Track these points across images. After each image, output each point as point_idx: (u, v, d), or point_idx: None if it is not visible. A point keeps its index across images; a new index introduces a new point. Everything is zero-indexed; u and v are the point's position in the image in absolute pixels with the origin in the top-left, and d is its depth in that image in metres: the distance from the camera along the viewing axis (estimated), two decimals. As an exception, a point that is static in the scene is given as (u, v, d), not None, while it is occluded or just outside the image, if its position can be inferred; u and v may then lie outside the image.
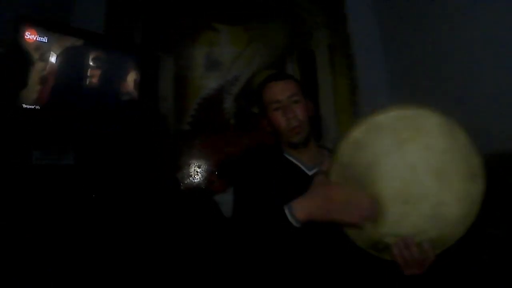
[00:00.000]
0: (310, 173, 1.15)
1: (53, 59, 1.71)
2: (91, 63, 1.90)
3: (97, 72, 1.92)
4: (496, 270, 1.29)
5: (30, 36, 1.64)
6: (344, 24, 2.55)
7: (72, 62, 1.82)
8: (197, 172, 2.21)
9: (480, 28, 1.64)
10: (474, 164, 0.85)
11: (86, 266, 1.62)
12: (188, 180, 2.19)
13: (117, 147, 1.98)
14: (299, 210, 0.88)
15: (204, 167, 2.22)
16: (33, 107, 1.66)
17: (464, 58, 1.76)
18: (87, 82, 1.88)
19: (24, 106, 1.63)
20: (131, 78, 1.98)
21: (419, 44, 2.15)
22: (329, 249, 1.03)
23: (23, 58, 1.63)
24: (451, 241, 0.89)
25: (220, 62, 2.36)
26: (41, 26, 1.68)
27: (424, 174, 0.85)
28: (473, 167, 0.85)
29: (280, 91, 1.16)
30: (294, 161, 1.18)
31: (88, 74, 1.89)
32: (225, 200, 1.90)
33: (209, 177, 2.24)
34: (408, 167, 0.84)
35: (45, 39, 1.69)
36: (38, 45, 1.67)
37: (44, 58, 1.69)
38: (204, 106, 2.30)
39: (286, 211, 0.88)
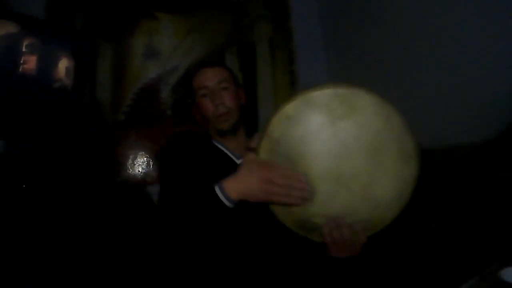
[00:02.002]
0: (238, 161, 1.16)
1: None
2: (24, 49, 1.88)
3: (31, 59, 1.91)
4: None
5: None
6: (286, 18, 2.65)
7: (5, 47, 1.80)
8: (132, 162, 2.23)
9: (421, 25, 1.73)
10: (408, 146, 0.85)
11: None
12: (123, 171, 2.21)
13: (49, 136, 1.97)
14: (231, 189, 0.87)
15: (140, 157, 2.24)
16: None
17: (406, 56, 1.86)
18: (20, 69, 1.87)
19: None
20: (63, 65, 1.98)
21: (361, 41, 2.26)
22: (261, 230, 1.06)
23: None
24: (382, 224, 0.90)
25: (159, 52, 2.41)
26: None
27: (357, 152, 0.84)
28: (407, 148, 0.85)
29: (209, 77, 1.19)
30: (222, 148, 1.21)
31: (22, 60, 1.87)
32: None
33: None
34: (341, 144, 0.84)
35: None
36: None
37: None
38: (141, 96, 2.34)
39: (217, 190, 0.87)
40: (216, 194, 0.87)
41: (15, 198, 1.78)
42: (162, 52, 2.46)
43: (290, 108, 0.84)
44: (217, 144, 1.22)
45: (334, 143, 0.84)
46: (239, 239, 1.05)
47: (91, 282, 1.67)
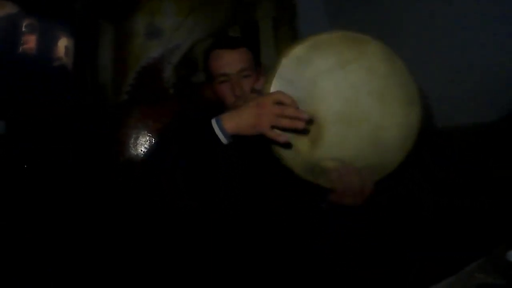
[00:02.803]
0: None
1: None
2: (24, 29, 1.86)
3: (31, 38, 1.89)
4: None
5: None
6: (290, -4, 2.52)
7: (5, 28, 1.78)
8: (135, 142, 2.22)
9: (432, 2, 1.69)
10: (412, 91, 0.89)
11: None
12: (126, 151, 2.20)
13: (51, 115, 1.95)
14: (227, 121, 0.84)
15: (143, 137, 2.23)
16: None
17: (413, 36, 1.82)
18: (20, 49, 1.84)
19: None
20: (62, 44, 1.96)
21: (366, 21, 2.18)
22: (274, 208, 1.03)
23: None
24: (389, 168, 0.91)
25: (161, 31, 2.36)
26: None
27: (366, 96, 0.86)
28: (411, 93, 0.89)
29: (230, 63, 1.07)
30: None
31: (22, 40, 1.85)
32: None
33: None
34: (350, 87, 0.85)
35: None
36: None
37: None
38: (144, 75, 2.31)
39: (214, 123, 0.84)
40: (210, 129, 0.84)
41: (16, 179, 1.77)
42: (164, 31, 2.42)
43: (300, 49, 0.85)
44: None
45: (343, 86, 0.86)
46: (247, 219, 1.05)
47: (91, 280, 1.66)
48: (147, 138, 2.29)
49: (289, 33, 2.55)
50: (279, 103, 0.80)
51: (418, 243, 1.31)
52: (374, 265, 1.10)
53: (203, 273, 1.07)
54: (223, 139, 0.84)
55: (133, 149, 2.26)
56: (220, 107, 1.18)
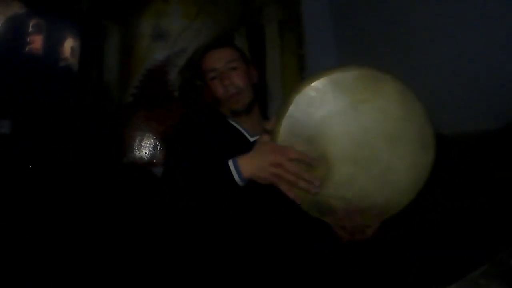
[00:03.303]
0: (252, 139, 1.15)
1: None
2: (31, 29, 1.87)
3: (37, 38, 1.90)
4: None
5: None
6: (296, 1, 2.58)
7: (12, 28, 1.79)
8: (139, 144, 2.23)
9: (436, 6, 1.67)
10: (427, 135, 0.85)
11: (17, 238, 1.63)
12: (130, 152, 2.21)
13: (56, 116, 1.96)
14: (244, 166, 0.86)
15: (147, 139, 2.23)
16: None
17: (417, 41, 1.80)
18: (26, 49, 1.86)
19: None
20: (69, 44, 1.97)
21: (371, 26, 2.19)
22: (272, 210, 1.05)
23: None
24: (396, 208, 0.90)
25: (167, 34, 2.38)
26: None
27: (377, 137, 0.84)
28: (426, 138, 0.85)
29: (216, 59, 1.15)
30: (237, 126, 1.18)
31: (28, 40, 1.86)
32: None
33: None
34: (362, 128, 0.83)
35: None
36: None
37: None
38: (149, 77, 2.32)
39: (231, 165, 0.87)
40: (227, 170, 0.86)
41: (20, 178, 1.77)
42: (170, 33, 2.44)
43: (313, 87, 0.81)
44: (231, 122, 1.19)
45: (355, 127, 0.83)
46: (248, 221, 1.05)
47: (91, 280, 1.66)
48: (151, 140, 2.28)
49: (294, 37, 2.54)
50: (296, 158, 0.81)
51: (420, 245, 1.30)
52: (374, 265, 1.09)
53: (203, 273, 1.06)
54: (239, 182, 0.87)
55: (137, 150, 2.26)
56: (219, 112, 1.23)
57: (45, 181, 1.82)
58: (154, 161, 2.25)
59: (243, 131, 1.17)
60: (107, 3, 2.35)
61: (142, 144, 2.26)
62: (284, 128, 0.83)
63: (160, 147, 2.27)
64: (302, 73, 2.49)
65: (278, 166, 0.82)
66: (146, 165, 2.23)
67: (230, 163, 0.87)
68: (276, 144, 0.84)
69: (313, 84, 0.81)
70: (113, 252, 1.76)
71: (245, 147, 0.93)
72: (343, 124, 0.83)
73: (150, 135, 2.28)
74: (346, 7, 2.46)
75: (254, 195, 0.94)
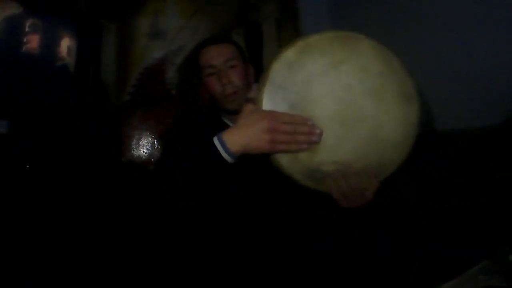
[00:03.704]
0: None
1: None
2: (27, 29, 1.86)
3: (34, 38, 1.89)
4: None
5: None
6: (293, -1, 2.52)
7: (9, 28, 1.78)
8: (137, 143, 2.22)
9: (433, 7, 1.67)
10: (409, 87, 0.85)
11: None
12: (128, 151, 2.20)
13: (53, 115, 1.96)
14: (232, 141, 0.81)
15: (145, 138, 2.23)
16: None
17: (415, 38, 1.79)
18: (23, 49, 1.85)
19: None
20: (65, 44, 1.96)
21: (368, 23, 2.19)
22: (274, 208, 1.03)
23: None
24: (392, 167, 0.88)
25: (164, 32, 2.37)
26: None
27: (361, 95, 0.82)
28: (408, 89, 0.85)
29: (215, 56, 1.11)
30: (231, 125, 1.13)
31: (25, 40, 1.85)
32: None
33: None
34: (345, 87, 0.82)
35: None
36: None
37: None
38: (146, 76, 2.31)
39: (216, 143, 0.81)
40: (213, 148, 0.81)
41: (18, 178, 1.77)
42: (168, 32, 2.43)
43: (291, 52, 0.81)
44: (226, 121, 1.17)
45: (338, 86, 0.82)
46: (251, 220, 1.04)
47: (91, 280, 1.66)
48: (149, 138, 2.28)
49: (292, 34, 2.54)
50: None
51: (419, 244, 1.30)
52: (374, 265, 1.09)
53: (204, 273, 1.06)
54: (229, 159, 0.81)
55: (135, 149, 2.25)
56: (215, 109, 1.21)
57: (43, 180, 1.81)
58: (152, 159, 2.24)
59: None
60: (104, 2, 2.34)
61: (140, 142, 2.25)
62: (267, 95, 0.81)
63: (158, 145, 2.26)
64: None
65: (273, 131, 0.78)
66: (144, 164, 2.21)
67: (215, 139, 0.82)
68: (263, 110, 0.81)
69: (290, 49, 0.81)
70: (113, 251, 1.76)
71: None
72: (325, 85, 0.82)
73: (148, 133, 2.27)
74: (343, 5, 2.46)
75: (242, 175, 0.91)
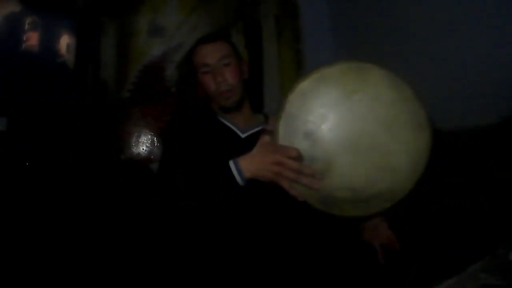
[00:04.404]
0: (243, 135, 1.16)
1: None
2: (27, 27, 1.86)
3: (33, 36, 1.89)
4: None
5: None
6: (292, -4, 2.52)
7: (9, 26, 1.78)
8: (137, 140, 2.22)
9: (438, 9, 1.68)
10: (420, 115, 0.87)
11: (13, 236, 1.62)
12: (127, 149, 2.20)
13: (52, 113, 1.95)
14: (245, 167, 0.88)
15: (144, 135, 2.23)
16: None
17: (414, 37, 1.81)
18: (22, 47, 1.85)
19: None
20: (64, 41, 1.96)
21: (368, 20, 2.19)
22: (274, 208, 1.06)
23: None
24: (400, 194, 0.91)
25: (164, 29, 2.36)
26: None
27: (373, 124, 0.86)
28: (420, 118, 0.87)
29: (209, 54, 1.15)
30: (227, 123, 1.19)
31: (24, 38, 1.85)
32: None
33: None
34: (358, 117, 0.86)
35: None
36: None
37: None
38: (146, 73, 2.30)
39: (231, 165, 0.88)
40: (228, 171, 0.88)
41: (16, 177, 1.76)
42: (167, 29, 2.42)
43: (305, 84, 0.85)
44: (222, 120, 1.20)
45: (351, 116, 0.85)
46: (249, 221, 1.05)
47: (91, 280, 1.66)
48: (149, 136, 2.28)
49: (291, 32, 2.53)
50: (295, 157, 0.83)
51: (420, 243, 1.30)
52: (374, 265, 1.10)
53: (203, 272, 1.06)
54: (240, 182, 0.88)
55: (135, 147, 2.25)
56: (210, 108, 1.23)
57: (42, 178, 1.81)
58: (152, 157, 2.24)
59: (233, 127, 1.18)
60: (103, -2, 2.32)
61: (140, 140, 2.25)
62: (282, 127, 0.86)
63: (157, 143, 2.26)
64: (299, 68, 2.49)
65: (279, 165, 0.83)
66: (143, 161, 2.21)
67: (231, 163, 0.89)
68: (276, 144, 0.85)
69: (305, 81, 0.85)
70: (112, 250, 1.76)
71: (237, 143, 0.98)
72: (338, 115, 0.85)
73: (148, 131, 2.27)
74: (343, 2, 2.45)
75: (255, 195, 0.96)
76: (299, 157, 0.83)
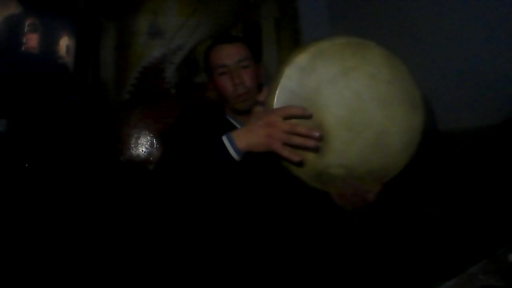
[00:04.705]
0: None
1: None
2: (27, 28, 1.86)
3: (33, 37, 1.89)
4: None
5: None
6: (292, -2, 2.52)
7: (9, 28, 1.78)
8: (136, 142, 2.22)
9: (438, 9, 1.67)
10: (416, 96, 0.88)
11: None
12: (127, 150, 2.20)
13: (52, 114, 1.95)
14: (238, 138, 0.85)
15: (144, 137, 2.23)
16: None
17: (415, 38, 1.80)
18: (23, 48, 1.85)
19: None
20: (64, 43, 1.96)
21: (368, 22, 2.19)
22: (270, 186, 1.04)
23: None
24: (394, 171, 0.91)
25: (163, 31, 2.36)
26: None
27: (369, 102, 0.85)
28: (415, 98, 0.88)
29: (228, 55, 1.12)
30: (235, 123, 1.17)
31: (24, 39, 1.85)
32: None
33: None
34: (354, 94, 0.85)
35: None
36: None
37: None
38: (145, 75, 2.30)
39: (225, 140, 0.86)
40: (222, 145, 0.85)
41: (16, 178, 1.76)
42: (167, 31, 2.43)
43: (302, 58, 0.83)
44: (230, 119, 1.18)
45: (347, 93, 0.85)
46: (248, 196, 1.04)
47: (91, 280, 1.66)
48: (148, 137, 2.28)
49: (291, 33, 2.54)
50: (289, 117, 0.80)
51: (420, 244, 1.30)
52: (375, 265, 1.10)
53: (204, 272, 1.06)
54: (236, 156, 0.85)
55: (134, 148, 2.25)
56: (221, 107, 1.21)
57: (42, 179, 1.81)
58: (151, 159, 2.24)
59: (240, 127, 1.14)
60: (103, 0, 2.33)
61: (139, 141, 2.25)
62: (278, 100, 0.84)
63: (156, 144, 2.26)
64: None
65: (270, 126, 0.81)
66: (143, 163, 2.21)
67: (224, 137, 0.86)
68: (269, 109, 0.84)
69: (301, 55, 0.83)
70: (111, 249, 1.76)
71: None
72: (335, 91, 0.84)
73: (147, 132, 2.26)
74: (342, 4, 2.45)
75: (250, 174, 0.95)
76: (292, 117, 0.80)
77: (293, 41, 2.51)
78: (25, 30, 1.89)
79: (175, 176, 0.93)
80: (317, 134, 0.78)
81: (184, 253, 1.10)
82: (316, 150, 0.83)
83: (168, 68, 2.37)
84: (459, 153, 1.41)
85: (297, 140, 0.79)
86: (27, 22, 1.90)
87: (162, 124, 2.28)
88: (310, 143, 0.79)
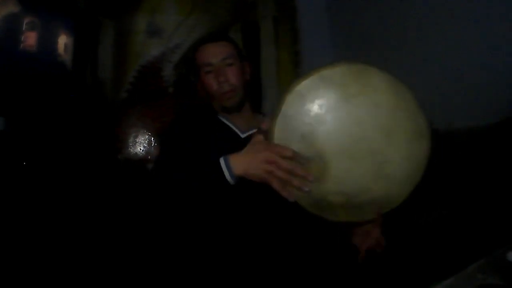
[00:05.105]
0: (243, 136, 1.14)
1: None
2: (25, 27, 1.86)
3: (31, 35, 1.89)
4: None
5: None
6: (290, -3, 2.52)
7: (7, 26, 1.78)
8: (134, 140, 2.21)
9: (430, 3, 1.68)
10: (420, 124, 0.85)
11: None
12: (125, 149, 2.19)
13: (50, 113, 1.95)
14: (236, 164, 0.85)
15: (142, 135, 2.22)
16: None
17: (413, 38, 1.81)
18: (20, 47, 1.85)
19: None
20: (62, 41, 1.95)
21: (366, 21, 2.19)
22: (263, 209, 1.03)
23: None
24: (396, 201, 0.89)
25: (162, 29, 2.35)
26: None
27: (372, 130, 0.83)
28: (420, 126, 0.85)
29: (213, 54, 1.12)
30: (227, 123, 1.17)
31: (22, 38, 1.85)
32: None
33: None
34: (356, 122, 0.82)
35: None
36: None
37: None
38: (144, 73, 2.30)
39: (222, 162, 0.85)
40: (218, 168, 0.85)
41: (15, 176, 1.76)
42: (165, 29, 2.41)
43: (304, 85, 0.81)
44: (222, 119, 1.18)
45: (349, 121, 0.82)
46: (239, 220, 1.03)
47: (91, 280, 1.65)
48: (146, 136, 2.28)
49: (289, 33, 2.54)
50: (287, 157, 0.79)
51: (419, 243, 1.30)
52: (374, 265, 1.10)
53: (197, 272, 1.06)
54: (231, 180, 0.85)
55: (133, 147, 2.25)
56: (213, 107, 1.21)
57: (40, 178, 1.80)
58: (149, 157, 2.23)
59: (234, 128, 1.16)
60: (101, -1, 2.31)
61: (137, 140, 2.24)
62: (278, 127, 0.83)
63: (154, 143, 2.25)
64: (297, 69, 2.49)
65: (271, 163, 0.80)
66: (141, 162, 2.21)
67: (221, 160, 0.86)
68: (269, 143, 0.83)
69: (303, 82, 0.81)
70: (110, 249, 1.76)
71: (237, 144, 0.93)
72: (336, 119, 0.82)
73: (145, 131, 2.26)
74: (341, 2, 2.45)
75: (245, 195, 0.93)
76: (295, 157, 0.80)
77: (291, 40, 2.51)
78: (23, 29, 1.88)
79: (170, 188, 0.93)
80: (312, 178, 0.80)
81: (183, 255, 1.10)
82: (308, 192, 0.82)
83: (166, 66, 2.37)
84: (457, 153, 1.41)
85: (296, 182, 0.80)
86: (26, 20, 1.89)
87: (160, 123, 2.27)
88: (307, 185, 0.80)
